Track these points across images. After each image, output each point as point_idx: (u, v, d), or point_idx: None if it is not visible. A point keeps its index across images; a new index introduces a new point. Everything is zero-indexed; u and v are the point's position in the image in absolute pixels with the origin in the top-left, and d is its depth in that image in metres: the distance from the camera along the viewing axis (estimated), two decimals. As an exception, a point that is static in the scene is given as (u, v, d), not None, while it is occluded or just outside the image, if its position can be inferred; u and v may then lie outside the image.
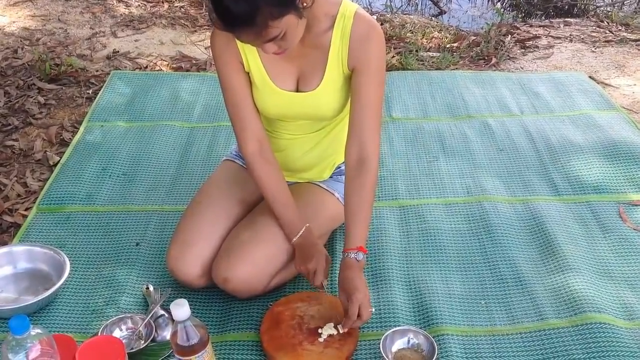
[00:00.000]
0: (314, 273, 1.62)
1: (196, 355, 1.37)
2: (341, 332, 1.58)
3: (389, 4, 4.42)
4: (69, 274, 1.76)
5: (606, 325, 1.63)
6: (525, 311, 1.71)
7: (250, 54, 1.60)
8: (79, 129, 2.56)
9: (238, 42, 1.58)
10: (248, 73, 1.64)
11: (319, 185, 1.83)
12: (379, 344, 1.54)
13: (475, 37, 3.50)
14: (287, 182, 1.82)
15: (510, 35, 3.49)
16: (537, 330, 1.64)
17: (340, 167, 1.85)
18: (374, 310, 1.60)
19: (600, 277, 1.82)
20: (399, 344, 1.57)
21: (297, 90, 1.64)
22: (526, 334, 1.64)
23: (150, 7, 3.83)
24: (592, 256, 1.90)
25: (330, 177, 1.85)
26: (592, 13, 4.04)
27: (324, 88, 1.61)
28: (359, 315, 1.53)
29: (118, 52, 3.25)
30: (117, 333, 1.61)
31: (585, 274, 1.81)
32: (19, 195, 2.22)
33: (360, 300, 1.52)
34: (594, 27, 3.63)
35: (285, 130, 1.76)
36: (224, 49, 1.61)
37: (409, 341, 1.58)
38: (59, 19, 3.59)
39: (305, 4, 1.39)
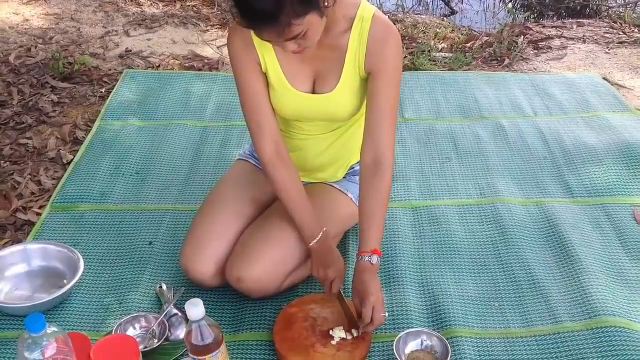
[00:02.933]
0: (332, 281, 1.61)
1: (211, 354, 1.37)
2: (351, 336, 1.57)
3: (400, 3, 4.41)
4: (83, 272, 1.77)
5: (621, 328, 1.62)
6: (539, 314, 1.70)
7: (267, 55, 1.60)
8: (92, 127, 2.57)
9: (256, 42, 1.58)
10: (265, 74, 1.64)
11: (333, 186, 1.83)
12: (392, 345, 1.54)
13: (487, 38, 3.49)
14: (302, 182, 1.83)
15: (523, 36, 3.47)
16: (551, 334, 1.63)
17: (354, 168, 1.85)
18: (387, 314, 1.59)
19: (615, 280, 1.81)
20: (412, 346, 1.57)
21: (313, 92, 1.64)
22: (540, 337, 1.63)
23: (163, 6, 3.84)
24: (606, 259, 1.89)
25: (344, 177, 1.85)
26: (605, 14, 4.02)
27: (341, 90, 1.61)
28: (371, 320, 1.52)
29: (130, 50, 3.26)
30: (130, 331, 1.62)
31: (600, 277, 1.80)
32: (32, 193, 2.23)
33: (373, 303, 1.52)
34: (607, 28, 3.61)
35: (300, 130, 1.76)
36: (242, 50, 1.60)
37: (422, 343, 1.57)
38: (72, 18, 3.60)
39: (327, 3, 1.39)
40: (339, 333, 1.58)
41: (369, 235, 1.58)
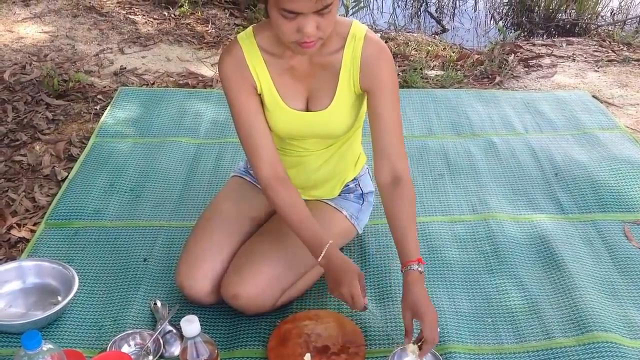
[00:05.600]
0: (352, 298, 1.54)
1: (206, 371, 1.38)
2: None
3: (392, 22, 4.46)
4: (77, 289, 1.77)
5: (613, 344, 1.63)
6: (532, 330, 1.71)
7: (262, 76, 1.61)
8: (86, 144, 2.58)
9: (250, 64, 1.59)
10: (259, 95, 1.64)
11: (328, 203, 1.84)
12: (387, 361, 1.55)
13: (479, 56, 3.53)
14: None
15: (513, 54, 3.52)
16: (544, 349, 1.65)
17: (348, 185, 1.86)
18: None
19: (607, 296, 1.83)
20: (406, 362, 1.58)
21: (307, 110, 1.66)
22: (533, 353, 1.64)
23: (157, 24, 3.87)
24: (598, 275, 1.91)
25: (339, 194, 1.87)
26: (594, 32, 4.08)
27: (335, 107, 1.63)
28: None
29: (125, 68, 3.28)
30: (125, 349, 1.62)
31: (592, 293, 1.81)
32: (27, 210, 2.23)
33: (432, 322, 1.50)
34: (596, 47, 3.66)
35: (296, 148, 1.77)
36: (236, 73, 1.59)
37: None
38: (66, 36, 3.63)
39: None
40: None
41: (410, 246, 1.57)
